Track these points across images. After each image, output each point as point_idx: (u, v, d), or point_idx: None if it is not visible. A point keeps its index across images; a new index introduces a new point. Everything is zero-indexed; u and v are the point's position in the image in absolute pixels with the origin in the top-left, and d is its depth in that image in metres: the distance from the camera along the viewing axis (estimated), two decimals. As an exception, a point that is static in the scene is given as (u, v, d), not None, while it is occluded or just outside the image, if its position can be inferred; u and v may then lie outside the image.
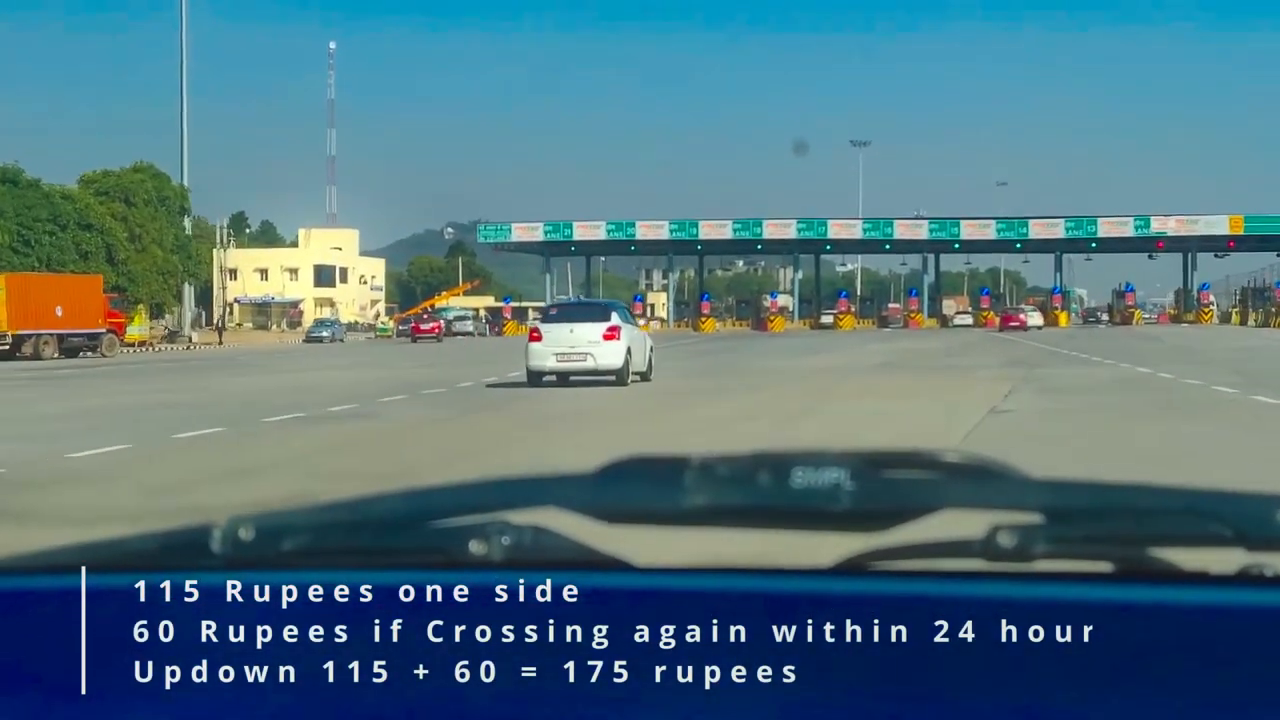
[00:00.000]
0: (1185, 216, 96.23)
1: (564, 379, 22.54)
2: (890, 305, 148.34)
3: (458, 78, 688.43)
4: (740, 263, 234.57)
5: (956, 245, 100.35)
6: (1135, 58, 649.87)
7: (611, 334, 22.12)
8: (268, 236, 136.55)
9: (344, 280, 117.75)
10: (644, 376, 23.37)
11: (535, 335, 22.91)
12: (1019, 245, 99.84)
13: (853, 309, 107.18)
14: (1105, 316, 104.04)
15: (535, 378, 22.45)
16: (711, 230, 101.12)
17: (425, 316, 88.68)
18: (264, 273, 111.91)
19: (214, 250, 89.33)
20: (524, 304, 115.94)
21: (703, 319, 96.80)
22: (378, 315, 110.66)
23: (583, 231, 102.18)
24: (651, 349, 24.66)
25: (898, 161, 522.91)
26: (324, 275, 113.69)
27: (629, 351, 22.34)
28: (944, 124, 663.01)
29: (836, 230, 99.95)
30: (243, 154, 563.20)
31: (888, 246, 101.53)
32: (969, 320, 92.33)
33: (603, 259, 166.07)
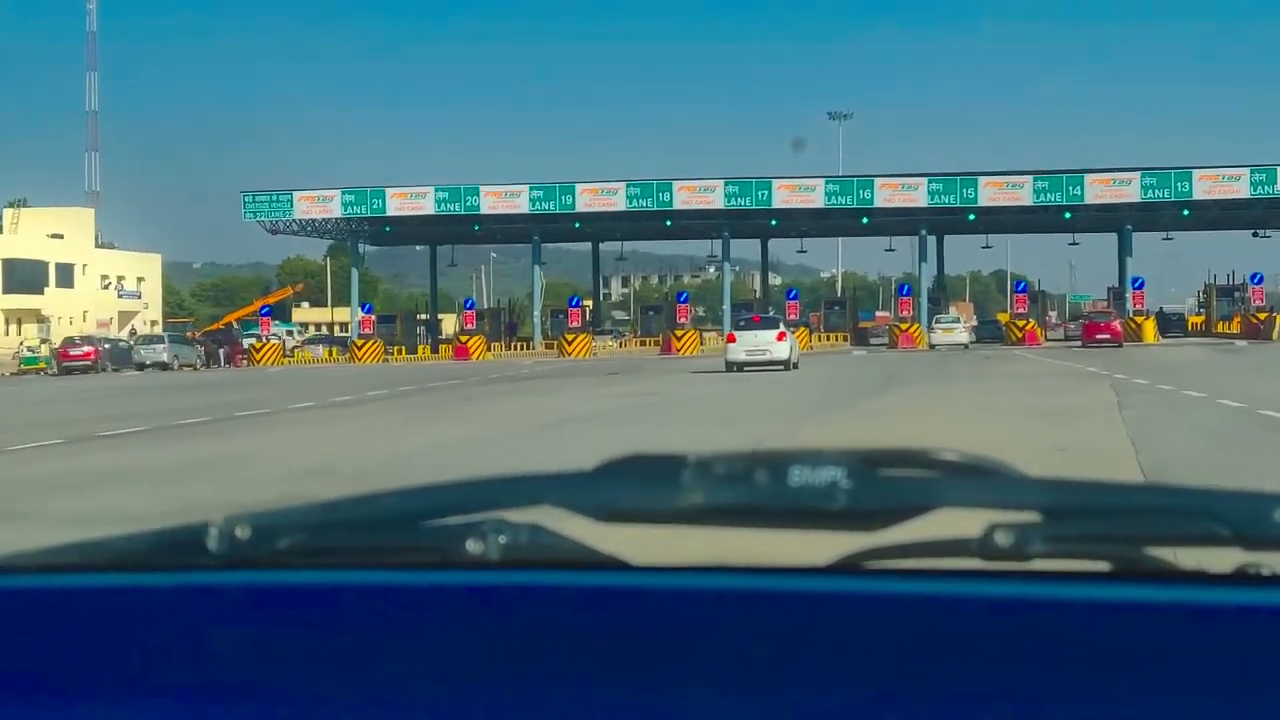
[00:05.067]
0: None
1: (740, 367, 33.40)
2: (878, 314, 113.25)
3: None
4: (711, 269, 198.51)
5: (971, 217, 64.56)
6: None
7: (781, 337, 34.25)
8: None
9: (66, 283, 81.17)
10: (796, 366, 34.15)
11: (732, 338, 35.43)
12: (1068, 215, 63.92)
13: (815, 319, 71.68)
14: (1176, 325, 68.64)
15: (731, 366, 33.64)
16: (595, 199, 65.46)
17: (77, 341, 54.43)
18: (-72, 274, 75.48)
19: None
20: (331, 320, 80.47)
21: (568, 337, 60.98)
22: (132, 333, 74.56)
23: (400, 203, 66.45)
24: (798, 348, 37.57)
25: (883, 139, 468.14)
26: (28, 275, 76.97)
27: (791, 349, 34.30)
28: (940, 92, 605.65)
29: (785, 196, 64.23)
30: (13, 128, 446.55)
31: (865, 220, 65.71)
32: (961, 334, 55.45)
33: (493, 253, 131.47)
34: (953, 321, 58.39)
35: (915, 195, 63.43)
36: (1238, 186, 61.01)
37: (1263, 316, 57.05)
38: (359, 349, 62.13)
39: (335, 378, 38.87)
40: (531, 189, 66.04)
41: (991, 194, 62.64)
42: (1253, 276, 61.31)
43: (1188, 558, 1.20)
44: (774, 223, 66.60)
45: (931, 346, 54.03)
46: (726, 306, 69.55)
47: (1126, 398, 18.44)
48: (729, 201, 64.36)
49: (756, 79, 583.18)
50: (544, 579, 1.22)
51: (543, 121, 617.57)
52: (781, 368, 33.37)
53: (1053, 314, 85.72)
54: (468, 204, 65.99)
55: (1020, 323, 58.68)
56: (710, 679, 1.09)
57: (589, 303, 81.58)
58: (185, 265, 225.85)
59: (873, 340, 70.23)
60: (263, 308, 67.07)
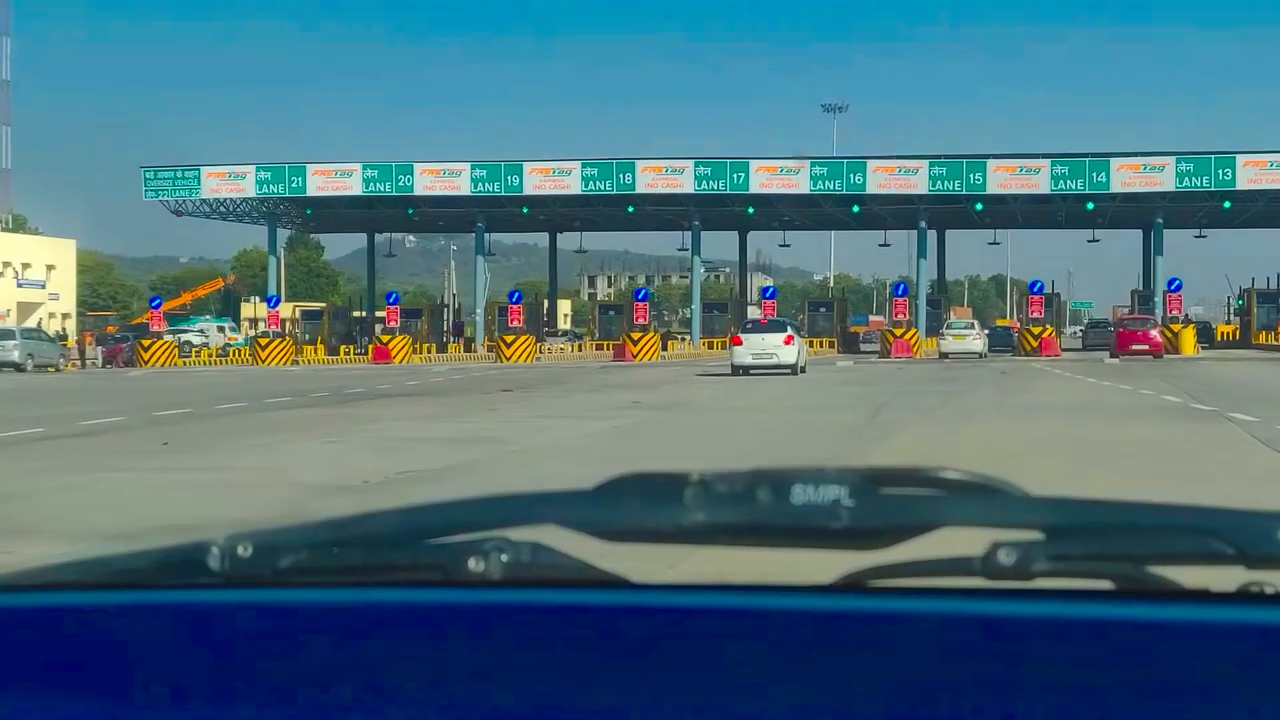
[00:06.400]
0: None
1: (746, 371, 32.84)
2: (871, 318, 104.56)
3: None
4: (703, 269, 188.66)
5: (979, 206, 55.89)
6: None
7: (789, 340, 33.99)
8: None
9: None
10: (803, 370, 33.76)
11: (738, 340, 34.48)
12: (1091, 205, 55.21)
13: (799, 322, 62.99)
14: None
15: (737, 370, 33.22)
16: (545, 180, 56.91)
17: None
18: None
19: None
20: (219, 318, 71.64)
21: (507, 339, 52.17)
22: (37, 325, 65.70)
23: (322, 182, 57.83)
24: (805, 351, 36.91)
25: (880, 131, 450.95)
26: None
27: (799, 353, 34.05)
28: (944, 84, 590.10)
29: (764, 180, 55.63)
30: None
31: (856, 209, 57.00)
32: (975, 342, 47.49)
33: (453, 245, 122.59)
34: (966, 327, 50.11)
35: (914, 181, 54.87)
36: (1290, 176, 52.46)
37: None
38: (262, 349, 53.35)
39: (162, 389, 30.21)
40: (473, 167, 57.48)
41: (1002, 180, 54.10)
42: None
43: (1191, 576, 1.18)
44: (751, 210, 57.86)
45: (943, 355, 45.78)
46: (695, 306, 60.98)
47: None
48: (700, 185, 55.81)
49: (745, 69, 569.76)
50: (546, 597, 1.23)
51: (533, 122, 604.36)
52: (789, 372, 32.61)
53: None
54: (400, 184, 57.46)
55: (1035, 329, 49.78)
56: (713, 697, 1.09)
57: (546, 300, 72.82)
58: (171, 259, 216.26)
59: (864, 347, 61.64)
60: (153, 299, 58.14)
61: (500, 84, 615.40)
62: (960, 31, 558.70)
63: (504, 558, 1.26)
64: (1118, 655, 1.09)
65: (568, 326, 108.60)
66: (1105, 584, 1.20)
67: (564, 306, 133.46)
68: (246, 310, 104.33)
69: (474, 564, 1.25)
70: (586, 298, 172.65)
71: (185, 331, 79.81)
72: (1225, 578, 1.18)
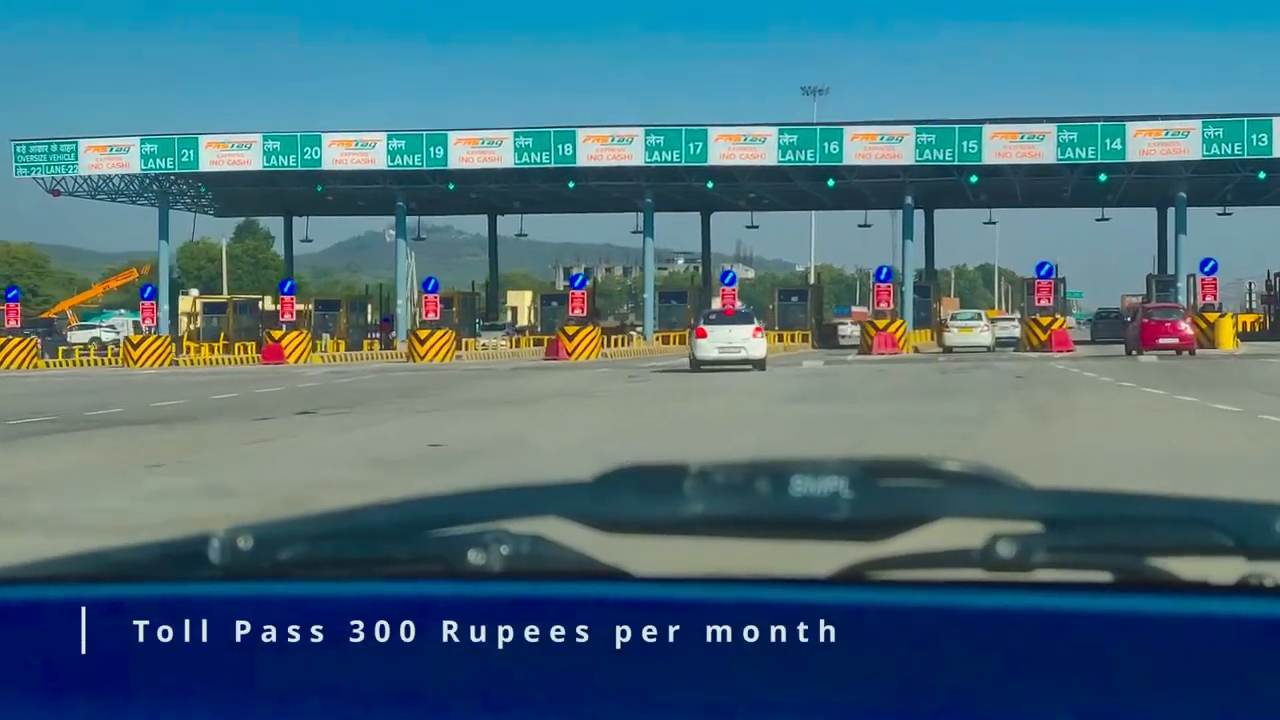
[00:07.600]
0: None
1: (700, 366, 30.00)
2: (854, 309, 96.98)
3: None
4: (681, 260, 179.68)
5: (974, 179, 48.22)
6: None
7: (757, 333, 31.40)
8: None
9: None
10: (764, 366, 30.56)
11: (702, 333, 30.96)
12: (1103, 177, 47.59)
13: (770, 312, 55.17)
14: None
15: (698, 365, 30.16)
16: (472, 151, 49.27)
17: None
18: None
19: None
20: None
21: (420, 334, 44.42)
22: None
23: (217, 155, 50.08)
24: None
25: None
26: None
27: (766, 347, 31.94)
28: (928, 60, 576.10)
29: (725, 149, 47.95)
30: None
31: (831, 183, 49.29)
32: (983, 335, 41.89)
33: (396, 237, 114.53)
34: (973, 318, 44.30)
35: (898, 150, 47.38)
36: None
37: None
38: (134, 348, 45.45)
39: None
40: (390, 138, 49.93)
41: (1000, 148, 46.68)
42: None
43: (1190, 568, 1.18)
44: (711, 185, 50.15)
45: (947, 349, 38.73)
46: (649, 295, 53.36)
47: None
48: (651, 156, 48.23)
49: (718, 57, 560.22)
50: (546, 590, 1.23)
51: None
52: (753, 368, 30.15)
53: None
54: (306, 157, 49.75)
55: (1044, 320, 42.07)
56: (712, 691, 1.09)
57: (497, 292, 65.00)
58: (149, 253, 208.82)
59: (844, 340, 54.05)
60: (9, 290, 50.19)
61: (482, 90, 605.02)
62: (958, 17, 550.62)
63: (504, 550, 1.26)
64: (1117, 648, 1.08)
65: (527, 321, 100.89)
66: (1105, 576, 1.20)
67: (527, 299, 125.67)
68: (185, 304, 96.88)
69: (474, 556, 1.25)
70: (563, 289, 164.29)
71: (96, 327, 72.14)
72: (1225, 569, 1.16)
